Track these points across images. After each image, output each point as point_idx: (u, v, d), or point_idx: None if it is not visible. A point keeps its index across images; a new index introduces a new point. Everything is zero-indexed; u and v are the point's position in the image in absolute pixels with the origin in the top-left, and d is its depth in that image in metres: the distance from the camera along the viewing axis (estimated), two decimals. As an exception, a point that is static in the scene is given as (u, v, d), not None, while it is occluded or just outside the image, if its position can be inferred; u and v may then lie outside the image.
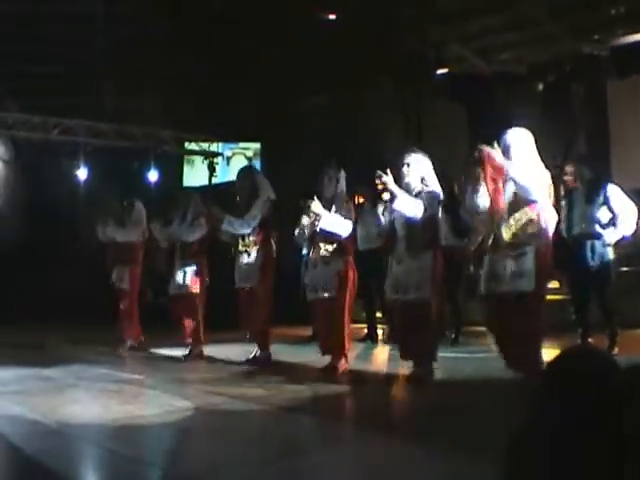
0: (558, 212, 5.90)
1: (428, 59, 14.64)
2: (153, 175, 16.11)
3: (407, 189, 5.91)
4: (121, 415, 4.81)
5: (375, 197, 7.65)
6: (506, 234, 5.27)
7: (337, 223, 6.50)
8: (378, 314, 9.17)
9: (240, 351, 7.60)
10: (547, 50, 14.25)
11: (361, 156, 12.81)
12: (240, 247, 7.40)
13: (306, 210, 6.49)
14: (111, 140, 15.33)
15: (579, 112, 14.56)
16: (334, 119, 15.09)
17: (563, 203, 7.10)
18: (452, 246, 7.95)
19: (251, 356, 7.37)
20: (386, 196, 5.88)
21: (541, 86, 14.88)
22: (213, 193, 13.93)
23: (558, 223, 5.96)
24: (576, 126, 14.37)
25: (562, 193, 7.29)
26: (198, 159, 17.68)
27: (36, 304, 13.35)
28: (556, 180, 6.23)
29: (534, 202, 5.23)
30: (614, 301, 7.13)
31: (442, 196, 6.02)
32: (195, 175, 17.86)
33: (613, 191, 6.96)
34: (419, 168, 6.00)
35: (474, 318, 8.72)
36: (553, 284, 8.97)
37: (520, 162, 5.28)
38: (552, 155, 10.94)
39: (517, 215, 5.25)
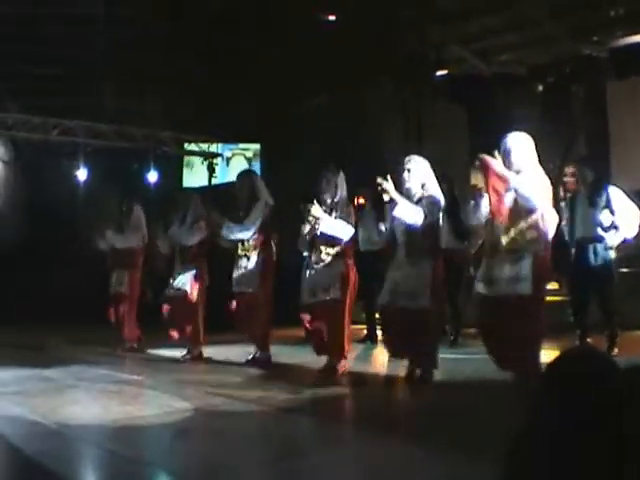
0: (558, 213, 5.90)
1: (428, 60, 14.65)
2: (153, 176, 16.11)
3: (408, 195, 5.90)
4: (121, 416, 4.81)
5: (376, 199, 7.65)
6: (505, 240, 5.27)
7: (337, 227, 6.49)
8: (378, 315, 9.17)
9: (239, 352, 7.61)
10: (547, 51, 14.27)
11: (361, 157, 12.82)
12: (240, 251, 7.39)
13: (306, 214, 6.48)
14: (111, 141, 15.34)
15: (579, 113, 14.57)
16: (334, 120, 15.08)
17: (563, 205, 7.10)
18: (452, 249, 7.95)
19: (250, 357, 7.37)
20: (386, 197, 5.86)
21: (541, 87, 14.90)
22: (213, 194, 13.94)
23: (559, 225, 5.96)
24: (576, 127, 14.39)
25: (561, 195, 7.29)
26: (197, 162, 17.68)
27: (36, 304, 13.35)
28: (555, 182, 6.23)
29: (535, 210, 5.23)
30: (614, 302, 7.14)
31: (443, 202, 6.01)
32: (195, 176, 17.87)
33: (615, 194, 6.96)
34: (420, 174, 5.99)
35: (473, 320, 8.74)
36: (552, 285, 8.97)
37: (520, 169, 5.28)
38: (552, 157, 10.97)
39: (517, 223, 5.25)
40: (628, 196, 7.06)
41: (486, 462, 2.78)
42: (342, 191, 6.70)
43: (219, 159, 17.37)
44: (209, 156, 16.60)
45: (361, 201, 9.61)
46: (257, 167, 17.30)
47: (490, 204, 5.28)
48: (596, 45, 13.44)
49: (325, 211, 6.51)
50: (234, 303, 7.34)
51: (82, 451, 4.12)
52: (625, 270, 8.80)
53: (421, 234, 5.80)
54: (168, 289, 8.18)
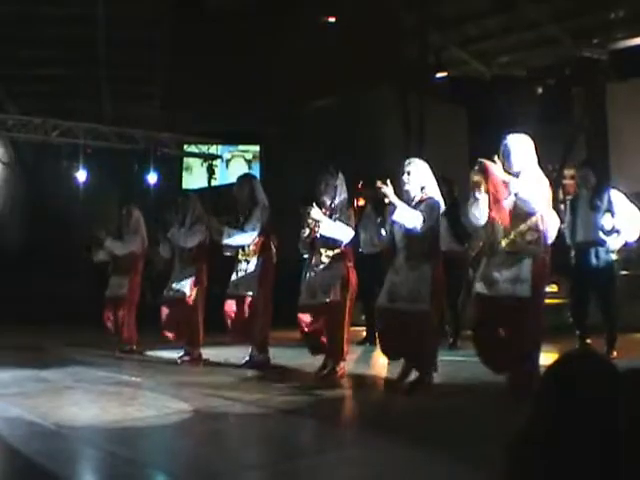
0: (558, 215, 5.89)
1: (428, 63, 14.68)
2: (152, 177, 16.12)
3: (407, 197, 5.90)
4: (119, 417, 4.81)
5: (376, 200, 7.64)
6: (505, 242, 5.26)
7: (337, 229, 6.49)
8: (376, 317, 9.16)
9: (238, 354, 7.60)
10: (547, 54, 14.31)
11: (362, 159, 12.83)
12: (240, 256, 7.38)
13: (306, 217, 6.47)
14: (110, 142, 15.36)
15: (579, 115, 14.60)
16: (335, 122, 15.10)
17: (562, 207, 7.10)
18: (452, 251, 7.94)
19: (247, 359, 7.32)
20: (386, 201, 5.84)
21: (541, 89, 14.92)
22: (212, 196, 13.95)
23: (559, 228, 5.95)
24: (576, 129, 14.40)
25: (561, 197, 7.29)
26: (196, 165, 17.71)
27: (35, 305, 13.36)
28: (554, 184, 6.23)
29: (534, 213, 5.22)
30: (615, 305, 7.15)
31: (443, 205, 6.00)
32: (194, 179, 17.90)
33: (617, 197, 6.96)
34: (419, 176, 5.97)
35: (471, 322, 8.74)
36: (551, 288, 8.98)
37: (520, 170, 5.27)
38: (552, 159, 10.98)
39: (517, 226, 5.24)
40: (628, 199, 7.07)
41: (486, 464, 2.78)
42: (342, 193, 6.69)
43: (219, 161, 17.37)
44: (209, 158, 16.62)
45: (361, 203, 9.60)
46: (257, 169, 17.34)
47: (489, 207, 5.27)
48: (596, 47, 13.47)
49: (325, 214, 6.50)
50: (233, 306, 7.32)
51: (81, 452, 4.12)
52: (623, 273, 8.80)
53: (420, 238, 5.78)
54: (167, 291, 8.17)
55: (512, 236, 5.21)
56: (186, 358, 7.95)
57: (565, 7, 12.85)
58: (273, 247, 7.46)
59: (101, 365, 7.71)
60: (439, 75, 15.29)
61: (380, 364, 7.80)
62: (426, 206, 5.82)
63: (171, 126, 16.33)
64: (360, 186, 9.33)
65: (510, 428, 1.76)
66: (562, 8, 12.92)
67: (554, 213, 5.57)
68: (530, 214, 5.20)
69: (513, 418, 1.83)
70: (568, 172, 13.44)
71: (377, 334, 6.61)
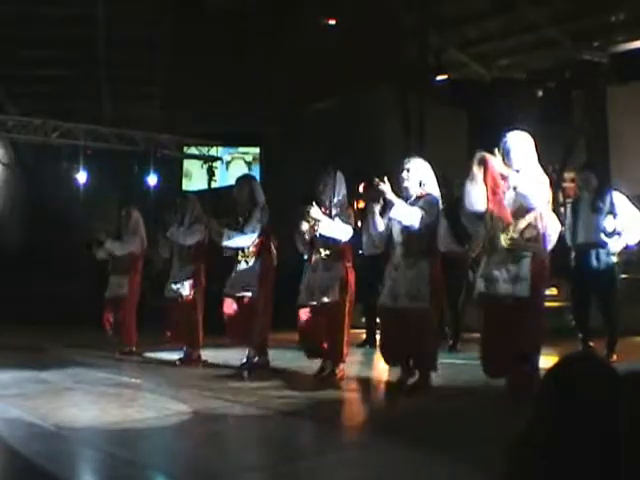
0: (558, 218, 5.88)
1: (429, 65, 14.68)
2: (152, 179, 16.12)
3: (406, 194, 5.90)
4: (119, 418, 4.81)
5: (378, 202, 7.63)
6: (504, 239, 5.25)
7: (337, 228, 6.49)
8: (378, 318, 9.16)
9: (238, 355, 7.59)
10: (547, 56, 14.31)
11: (362, 161, 12.82)
12: (239, 257, 7.37)
13: (305, 216, 6.48)
14: (111, 144, 15.36)
15: (579, 118, 14.60)
16: (335, 124, 15.10)
17: (562, 210, 7.10)
18: (453, 252, 7.93)
19: (245, 361, 7.29)
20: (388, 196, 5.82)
21: (541, 92, 14.92)
22: (212, 197, 13.95)
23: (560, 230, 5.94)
24: (576, 132, 14.40)
25: (561, 200, 7.29)
26: (195, 169, 17.71)
27: (35, 306, 13.37)
28: (555, 187, 6.23)
29: (533, 209, 5.21)
30: (616, 308, 7.15)
31: (441, 202, 6.00)
32: (194, 182, 17.91)
33: (619, 199, 6.96)
34: (419, 173, 5.98)
35: (473, 325, 8.74)
36: (551, 291, 8.97)
37: (520, 167, 5.26)
38: (552, 161, 10.99)
39: (516, 222, 5.22)
40: (630, 201, 7.07)
41: (486, 466, 2.79)
42: (341, 193, 6.68)
43: (219, 163, 17.37)
44: (209, 160, 16.63)
45: (361, 205, 9.59)
46: (257, 171, 17.35)
47: (488, 201, 5.26)
48: (596, 50, 13.47)
49: (324, 213, 6.50)
50: (232, 306, 7.31)
51: (80, 453, 4.12)
52: (625, 276, 8.80)
53: (418, 234, 5.78)
54: (167, 291, 8.16)
55: (511, 233, 5.20)
56: (186, 359, 7.94)
57: (565, 9, 12.85)
58: (273, 248, 7.45)
59: (101, 366, 7.72)
60: (439, 78, 15.30)
61: (380, 366, 7.80)
62: (425, 202, 5.83)
63: (171, 126, 16.33)
64: (363, 188, 9.32)
65: (510, 430, 1.76)
66: (562, 10, 12.93)
67: (555, 216, 5.56)
68: (529, 210, 5.19)
69: (513, 420, 1.83)
70: (568, 175, 13.47)
71: (379, 335, 6.61)
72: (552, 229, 5.43)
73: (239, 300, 7.27)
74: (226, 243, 7.28)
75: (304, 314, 6.66)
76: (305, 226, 6.54)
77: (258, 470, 3.70)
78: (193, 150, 17.31)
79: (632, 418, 1.55)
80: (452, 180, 8.16)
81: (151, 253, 9.17)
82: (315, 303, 6.57)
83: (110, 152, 15.70)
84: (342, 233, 6.50)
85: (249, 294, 7.21)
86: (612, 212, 6.89)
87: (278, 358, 7.62)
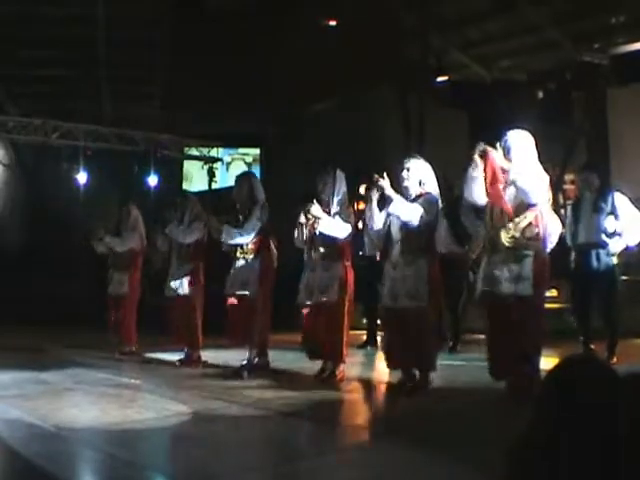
0: (559, 219, 5.88)
1: (429, 66, 14.69)
2: (152, 179, 16.12)
3: (406, 193, 5.91)
4: (119, 419, 4.81)
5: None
6: (505, 237, 5.24)
7: (336, 226, 6.48)
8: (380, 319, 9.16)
9: (238, 356, 7.58)
10: (547, 58, 14.32)
11: (362, 162, 12.81)
12: (238, 254, 7.35)
13: (306, 213, 6.47)
14: (111, 144, 15.36)
15: (579, 120, 14.61)
16: (335, 125, 15.10)
17: (563, 211, 7.10)
18: (453, 253, 7.92)
19: (244, 362, 7.28)
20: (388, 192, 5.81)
21: (541, 93, 14.92)
22: (213, 198, 13.94)
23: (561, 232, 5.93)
24: (576, 133, 14.41)
25: (561, 201, 7.29)
26: (195, 172, 17.71)
27: (35, 307, 13.36)
28: (554, 187, 6.22)
29: (534, 205, 5.20)
30: (617, 309, 7.14)
31: (441, 201, 6.00)
32: (194, 184, 17.91)
33: (620, 200, 6.96)
34: (419, 173, 5.98)
35: (473, 326, 8.74)
36: (551, 293, 8.96)
37: (520, 166, 5.25)
38: (552, 163, 10.98)
39: (517, 219, 5.21)
40: (631, 202, 7.07)
41: (486, 467, 2.79)
42: (341, 191, 6.67)
43: (219, 164, 17.38)
44: (209, 161, 16.63)
45: (361, 206, 9.58)
46: (257, 171, 17.35)
47: (488, 195, 5.25)
48: (597, 52, 13.48)
49: (324, 211, 6.50)
50: (234, 306, 7.30)
51: (80, 454, 4.12)
52: (625, 278, 8.79)
53: (417, 231, 5.78)
54: (167, 290, 8.15)
55: (512, 231, 5.19)
56: (186, 360, 7.94)
57: (566, 11, 12.86)
58: (273, 248, 7.45)
59: (101, 367, 7.72)
60: (440, 79, 15.31)
61: (380, 367, 7.80)
62: (424, 200, 5.83)
63: (171, 126, 16.34)
64: (364, 190, 9.33)
65: (510, 432, 1.76)
66: (563, 12, 12.94)
67: (555, 216, 5.56)
68: (530, 206, 5.18)
69: (513, 422, 1.83)
70: (568, 177, 13.48)
71: (382, 339, 6.59)
72: (553, 228, 5.43)
73: (238, 298, 7.26)
74: (225, 240, 7.26)
75: (305, 314, 6.67)
76: (303, 219, 6.54)
77: (258, 471, 3.70)
78: (194, 151, 17.31)
79: (632, 420, 1.55)
80: (452, 181, 8.17)
81: (150, 252, 9.17)
82: (314, 302, 6.57)
83: (110, 152, 15.70)
84: (341, 231, 6.49)
85: (248, 293, 7.20)
86: (613, 213, 6.89)
87: (278, 359, 7.61)
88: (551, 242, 5.38)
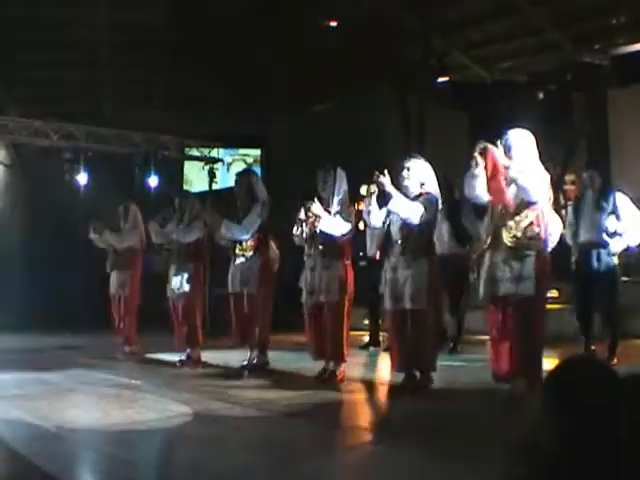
0: (561, 219, 5.88)
1: (430, 67, 14.68)
2: (153, 180, 16.10)
3: (406, 192, 5.90)
4: (120, 420, 4.81)
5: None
6: (506, 237, 5.24)
7: (336, 225, 6.48)
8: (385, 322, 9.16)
9: (238, 356, 7.59)
10: (548, 59, 14.32)
11: (362, 163, 12.80)
12: (237, 251, 7.34)
13: (306, 210, 6.47)
14: (111, 145, 15.33)
15: (580, 121, 14.61)
16: (336, 126, 15.10)
17: (563, 212, 7.10)
18: (454, 254, 7.93)
19: (246, 362, 7.29)
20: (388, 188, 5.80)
21: (542, 94, 14.92)
22: (213, 199, 13.93)
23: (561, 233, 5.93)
24: (576, 134, 14.41)
25: (562, 202, 7.29)
26: (195, 175, 17.68)
27: (36, 308, 13.35)
28: (555, 187, 6.21)
29: (534, 204, 5.20)
30: (617, 310, 7.14)
31: (441, 201, 6.00)
32: (195, 186, 17.88)
33: (622, 200, 6.96)
34: (419, 173, 5.98)
35: (473, 327, 8.74)
36: (552, 293, 8.96)
37: (521, 162, 5.24)
38: (552, 164, 10.98)
39: (517, 217, 5.21)
40: (632, 202, 7.07)
41: (486, 467, 2.79)
42: (342, 190, 6.66)
43: (219, 164, 17.36)
44: (210, 161, 16.60)
45: (362, 207, 9.58)
46: (257, 172, 17.30)
47: (490, 192, 5.25)
48: (597, 53, 13.48)
49: (325, 210, 6.50)
50: (236, 305, 7.29)
51: (81, 455, 4.12)
52: (626, 279, 8.79)
53: (418, 231, 5.78)
54: (168, 290, 8.15)
55: (513, 230, 5.18)
56: (186, 360, 7.94)
57: (566, 12, 12.87)
58: (274, 246, 7.45)
59: (102, 367, 7.71)
60: (440, 80, 15.31)
61: (381, 368, 7.81)
62: (424, 200, 5.83)
63: (171, 127, 16.32)
64: (365, 191, 9.32)
65: (510, 432, 1.77)
66: (563, 13, 12.94)
67: (556, 216, 5.55)
68: (530, 204, 5.17)
69: (513, 423, 1.83)
70: (569, 177, 13.48)
71: (388, 342, 6.58)
72: (553, 227, 5.43)
73: (240, 297, 7.26)
74: (224, 232, 7.25)
75: (308, 314, 6.68)
76: (302, 215, 6.53)
77: (259, 471, 3.70)
78: (194, 152, 17.30)
79: (632, 421, 1.55)
80: (453, 181, 8.17)
81: (148, 246, 9.16)
82: (315, 302, 6.58)
83: (111, 154, 15.68)
84: (341, 230, 6.48)
85: (248, 291, 7.19)
86: (615, 212, 6.89)
87: (279, 359, 7.61)
88: (552, 241, 5.38)
